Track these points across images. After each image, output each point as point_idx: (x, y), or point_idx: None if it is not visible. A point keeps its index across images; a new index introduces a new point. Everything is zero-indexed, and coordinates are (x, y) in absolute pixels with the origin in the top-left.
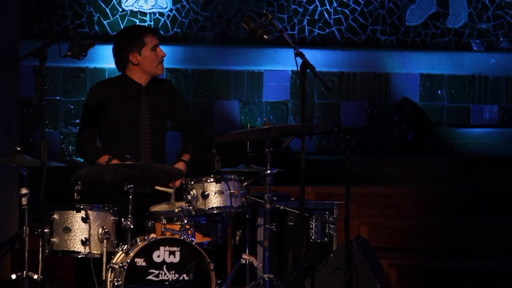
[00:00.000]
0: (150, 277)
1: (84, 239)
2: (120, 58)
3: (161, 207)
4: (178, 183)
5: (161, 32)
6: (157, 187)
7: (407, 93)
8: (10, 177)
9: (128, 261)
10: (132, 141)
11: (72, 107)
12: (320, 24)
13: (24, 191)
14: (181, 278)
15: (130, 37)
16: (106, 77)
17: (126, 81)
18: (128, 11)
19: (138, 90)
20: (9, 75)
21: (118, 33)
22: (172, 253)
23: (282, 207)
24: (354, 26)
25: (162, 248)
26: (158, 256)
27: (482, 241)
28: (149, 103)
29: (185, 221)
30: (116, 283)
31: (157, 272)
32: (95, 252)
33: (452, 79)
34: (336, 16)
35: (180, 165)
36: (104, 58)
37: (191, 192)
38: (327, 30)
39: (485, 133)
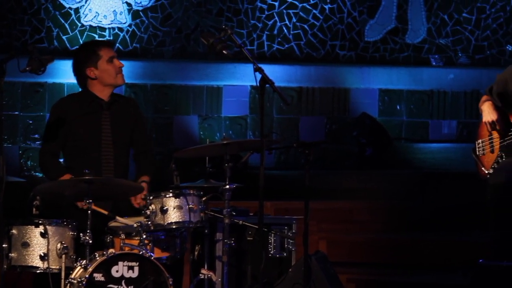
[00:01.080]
0: None
1: (42, 254)
2: (79, 74)
3: (120, 222)
4: (140, 200)
5: (120, 47)
6: (93, 207)
7: (366, 108)
8: None
9: (87, 276)
10: (94, 156)
11: (30, 122)
12: (279, 39)
13: None
14: None
15: (85, 53)
16: (65, 92)
17: (87, 97)
18: (87, 26)
19: (100, 105)
20: None
21: (74, 51)
22: (130, 268)
23: (241, 222)
24: (313, 42)
25: (120, 263)
26: (117, 271)
27: (440, 256)
28: (111, 118)
29: (144, 236)
30: None
31: (115, 287)
32: (53, 267)
33: (410, 94)
34: (295, 32)
35: (144, 186)
36: (63, 73)
37: (150, 207)
38: (286, 46)
39: (444, 148)
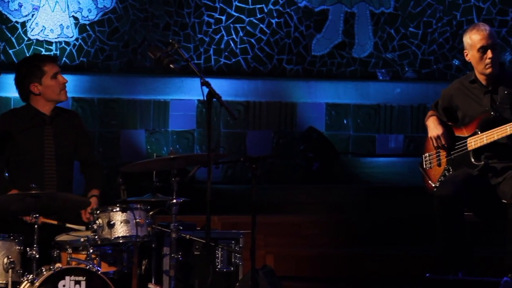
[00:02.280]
0: None
1: None
2: (22, 89)
3: (67, 236)
4: (87, 215)
5: (67, 61)
6: (68, 225)
7: (313, 123)
8: None
9: None
10: (37, 170)
11: None
12: (226, 53)
13: None
14: None
15: (29, 68)
16: (12, 106)
17: (30, 111)
18: (34, 40)
19: (42, 120)
20: None
21: (17, 65)
22: (77, 282)
23: (188, 236)
24: (260, 56)
25: (67, 278)
26: (64, 286)
27: (387, 270)
28: (54, 133)
29: (91, 251)
30: None
31: None
32: (0, 282)
33: (357, 109)
34: (242, 46)
35: (94, 200)
36: (9, 87)
37: (97, 221)
38: (233, 60)
39: (391, 162)
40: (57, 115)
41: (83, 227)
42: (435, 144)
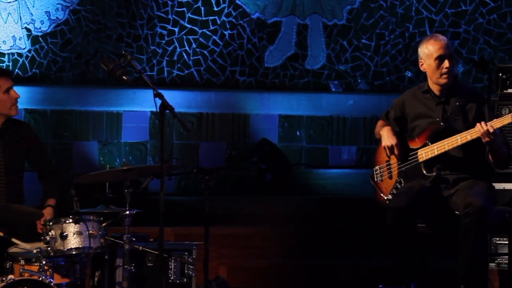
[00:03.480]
0: None
1: None
2: None
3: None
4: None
5: (19, 72)
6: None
7: (266, 134)
8: None
9: None
10: None
11: None
12: (179, 65)
13: None
14: None
15: None
16: None
17: None
18: None
19: None
20: None
21: None
22: None
23: (141, 247)
24: (213, 67)
25: None
26: None
27: (340, 281)
28: (3, 146)
29: (44, 262)
30: None
31: None
32: None
33: (310, 120)
34: (195, 57)
35: (48, 210)
36: None
37: (49, 233)
38: (186, 71)
39: (344, 174)
40: (7, 128)
41: (28, 246)
42: (389, 154)
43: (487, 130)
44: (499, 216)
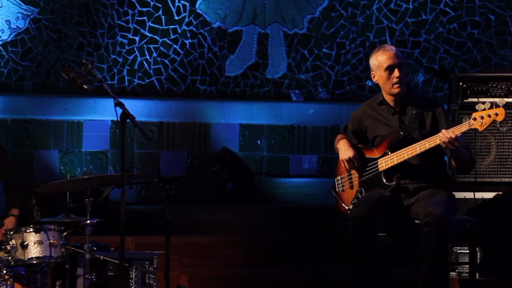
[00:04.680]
0: None
1: None
2: None
3: None
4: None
5: None
6: None
7: (227, 143)
8: None
9: None
10: None
11: None
12: (140, 74)
13: None
14: None
15: None
16: None
17: None
18: None
19: None
20: None
21: None
22: None
23: (102, 257)
24: (173, 76)
25: None
26: None
27: None
28: None
29: (4, 271)
30: None
31: None
32: None
33: (271, 129)
34: (156, 66)
35: (11, 220)
36: None
37: (10, 242)
38: (147, 80)
39: (304, 183)
40: None
41: None
42: (347, 167)
43: (451, 137)
44: (459, 225)
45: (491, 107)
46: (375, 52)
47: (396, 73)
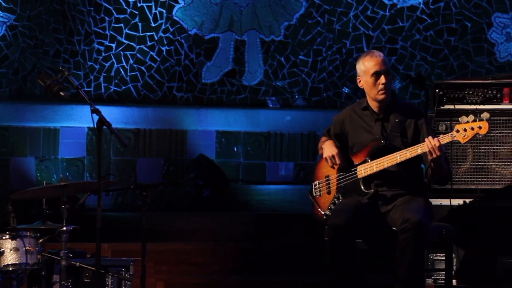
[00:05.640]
0: None
1: None
2: None
3: None
4: None
5: None
6: None
7: (204, 150)
8: None
9: None
10: None
11: None
12: (116, 81)
13: None
14: None
15: None
16: None
17: None
18: None
19: None
20: None
21: None
22: None
23: (78, 264)
24: (150, 83)
25: None
26: None
27: None
28: None
29: None
30: None
31: None
32: None
33: (248, 136)
34: (133, 73)
35: None
36: None
37: None
38: (124, 87)
39: (281, 190)
40: None
41: None
42: (330, 164)
43: (435, 144)
44: (436, 232)
45: (474, 120)
46: (363, 57)
47: (382, 79)
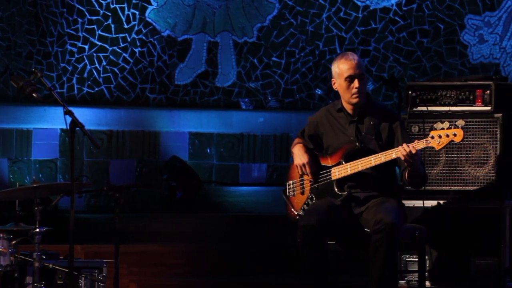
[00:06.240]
0: None
1: None
2: None
3: None
4: None
5: None
6: None
7: (177, 152)
8: None
9: None
10: None
11: None
12: (89, 82)
13: None
14: None
15: None
16: None
17: None
18: None
19: None
20: None
21: None
22: None
23: (51, 265)
24: (123, 85)
25: None
26: None
27: None
28: None
29: None
30: None
31: None
32: None
33: (221, 138)
34: (105, 75)
35: None
36: None
37: None
38: (96, 89)
39: (254, 191)
40: None
41: None
42: (300, 172)
43: (410, 151)
44: (409, 233)
45: (449, 127)
46: (338, 59)
47: (356, 83)
